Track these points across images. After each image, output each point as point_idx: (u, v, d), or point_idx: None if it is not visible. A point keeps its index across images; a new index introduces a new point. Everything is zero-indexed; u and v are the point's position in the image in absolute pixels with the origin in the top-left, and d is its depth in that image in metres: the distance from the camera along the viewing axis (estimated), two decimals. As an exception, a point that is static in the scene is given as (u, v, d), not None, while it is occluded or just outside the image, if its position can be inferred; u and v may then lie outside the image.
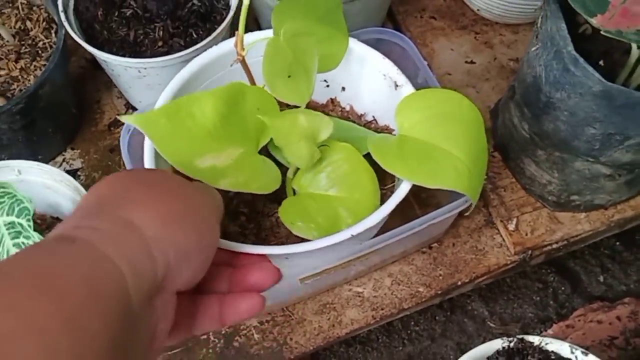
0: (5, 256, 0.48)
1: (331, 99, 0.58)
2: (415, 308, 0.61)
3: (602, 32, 0.39)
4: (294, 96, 0.45)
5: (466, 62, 0.73)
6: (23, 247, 0.47)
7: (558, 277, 0.97)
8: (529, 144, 0.59)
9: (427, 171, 0.44)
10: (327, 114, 0.52)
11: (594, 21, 0.39)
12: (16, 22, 0.65)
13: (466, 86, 0.71)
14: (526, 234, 0.62)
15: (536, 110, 0.56)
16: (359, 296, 0.60)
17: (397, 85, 0.51)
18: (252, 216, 0.50)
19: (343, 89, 0.57)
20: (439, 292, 0.60)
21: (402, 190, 0.45)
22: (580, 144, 0.54)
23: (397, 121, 0.47)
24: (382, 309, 0.60)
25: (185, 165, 0.40)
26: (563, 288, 0.96)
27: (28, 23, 0.65)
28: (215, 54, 0.52)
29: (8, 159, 0.58)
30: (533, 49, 0.55)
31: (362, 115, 0.57)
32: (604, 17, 0.40)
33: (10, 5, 0.66)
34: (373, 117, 0.56)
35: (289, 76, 0.45)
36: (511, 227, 0.62)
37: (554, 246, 0.62)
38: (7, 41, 0.63)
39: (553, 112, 0.54)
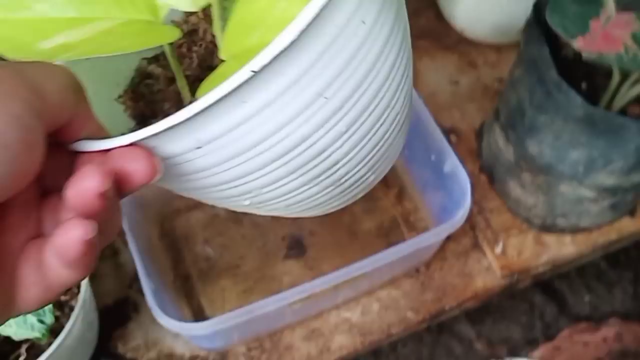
0: None
1: None
2: (403, 333, 0.61)
3: (583, 56, 0.39)
4: None
5: (451, 82, 0.74)
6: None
7: (544, 297, 0.97)
8: (514, 167, 0.60)
9: None
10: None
11: (575, 44, 0.40)
12: None
13: (451, 107, 0.71)
14: (513, 258, 0.62)
15: (521, 133, 0.56)
16: (347, 322, 0.60)
17: None
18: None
19: None
20: (427, 317, 0.60)
21: None
22: (564, 168, 0.54)
23: None
24: (371, 334, 0.59)
25: (21, 49, 0.31)
26: (549, 308, 0.97)
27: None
28: None
29: None
30: (516, 72, 0.56)
31: None
32: (585, 40, 0.41)
33: None
34: None
35: None
36: (498, 250, 0.62)
37: (541, 269, 0.62)
38: None
39: (537, 135, 0.54)
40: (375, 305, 0.61)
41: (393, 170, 0.69)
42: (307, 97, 0.27)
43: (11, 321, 0.47)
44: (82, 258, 0.25)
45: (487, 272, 0.62)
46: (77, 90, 0.27)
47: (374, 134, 0.32)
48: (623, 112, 0.53)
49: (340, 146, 0.30)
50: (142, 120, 0.38)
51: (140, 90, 0.40)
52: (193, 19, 0.40)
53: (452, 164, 0.55)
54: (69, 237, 0.25)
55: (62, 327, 0.50)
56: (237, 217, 0.66)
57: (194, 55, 0.38)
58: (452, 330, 0.92)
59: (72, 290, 0.55)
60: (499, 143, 0.61)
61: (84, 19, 0.32)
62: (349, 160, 0.32)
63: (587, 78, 0.55)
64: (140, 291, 0.62)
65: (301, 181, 0.32)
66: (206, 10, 0.39)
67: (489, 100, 0.72)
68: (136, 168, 0.27)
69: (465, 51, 0.76)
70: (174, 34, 0.32)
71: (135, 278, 0.63)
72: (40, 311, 0.47)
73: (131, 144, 0.27)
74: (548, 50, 0.50)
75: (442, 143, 0.56)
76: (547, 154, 0.54)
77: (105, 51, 0.31)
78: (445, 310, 0.61)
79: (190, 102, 0.30)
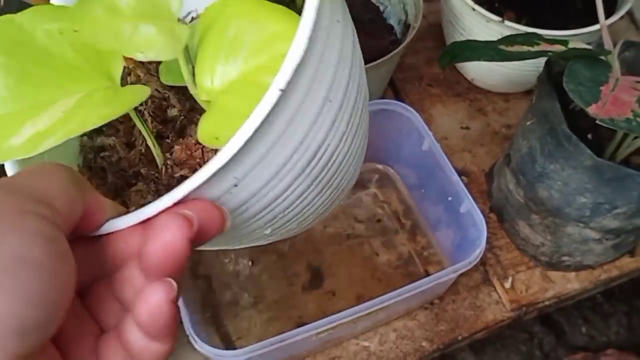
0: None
1: None
2: (418, 361, 0.65)
3: (597, 122, 0.44)
4: None
5: (461, 127, 0.78)
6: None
7: (543, 328, 1.01)
8: (524, 208, 0.64)
9: None
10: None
11: (590, 111, 0.44)
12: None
13: (462, 150, 0.76)
14: (521, 292, 0.66)
15: (531, 178, 0.61)
16: (366, 350, 0.64)
17: None
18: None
19: None
20: (441, 346, 0.64)
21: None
22: (572, 211, 0.59)
23: None
24: (388, 363, 0.63)
25: None
26: (548, 338, 1.01)
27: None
28: None
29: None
30: (528, 122, 0.61)
31: None
32: (597, 106, 0.45)
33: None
34: None
35: None
36: (507, 285, 0.66)
37: (547, 303, 0.67)
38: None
39: (547, 181, 0.59)
40: (392, 335, 0.65)
41: (407, 207, 0.73)
42: (318, 103, 0.28)
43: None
44: (171, 322, 0.23)
45: (496, 305, 0.66)
46: (77, 181, 0.25)
47: (359, 127, 0.34)
48: (626, 161, 0.58)
49: (343, 145, 0.32)
50: (117, 192, 0.36)
51: (99, 166, 0.38)
52: (130, 79, 0.38)
53: (469, 205, 0.60)
54: (154, 302, 0.23)
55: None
56: (260, 249, 0.70)
57: (145, 113, 0.37)
58: (454, 359, 0.96)
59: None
60: (510, 186, 0.66)
61: (44, 103, 0.30)
62: (348, 157, 0.33)
63: (593, 130, 0.60)
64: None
65: (316, 190, 0.32)
66: (145, 65, 0.37)
67: (498, 144, 0.77)
68: (212, 219, 0.25)
69: (475, 99, 0.81)
70: (145, 92, 0.30)
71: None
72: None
73: (177, 202, 0.25)
74: (559, 105, 0.55)
75: (460, 186, 0.61)
76: (556, 198, 0.59)
77: (82, 128, 0.28)
78: (458, 341, 0.65)
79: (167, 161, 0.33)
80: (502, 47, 0.49)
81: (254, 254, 0.70)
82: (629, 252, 0.68)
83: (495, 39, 0.55)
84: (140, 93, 0.30)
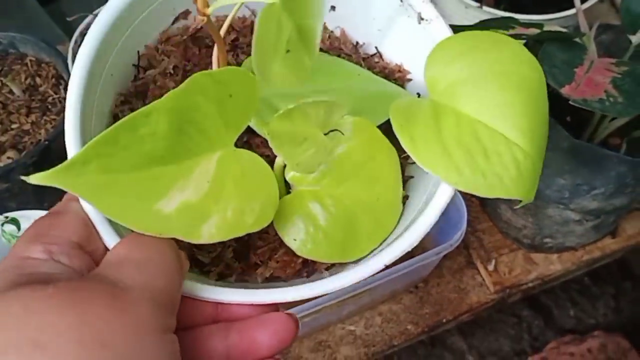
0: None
1: None
2: (404, 344, 0.65)
3: (570, 102, 0.44)
4: (294, 75, 0.32)
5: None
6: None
7: (531, 311, 1.03)
8: (506, 191, 0.65)
9: (481, 171, 0.30)
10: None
11: (563, 91, 0.45)
12: (26, 78, 0.69)
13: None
14: (504, 274, 0.67)
15: (512, 161, 0.62)
16: (352, 334, 0.65)
17: (421, 19, 0.37)
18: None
19: (333, 8, 0.43)
20: (426, 329, 0.65)
21: (441, 199, 0.32)
22: (552, 193, 0.60)
23: (428, 78, 0.33)
24: (374, 346, 0.64)
25: (141, 220, 0.27)
26: (536, 322, 1.02)
27: (37, 79, 0.69)
28: None
29: (16, 207, 0.61)
30: (508, 106, 0.61)
31: (359, 45, 0.43)
32: (571, 87, 0.46)
33: (20, 62, 0.70)
34: (377, 49, 0.42)
35: (288, 51, 0.31)
36: (490, 267, 0.67)
37: (530, 285, 0.68)
38: (18, 96, 0.67)
39: (527, 164, 0.59)
40: (378, 318, 0.66)
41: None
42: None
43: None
44: None
45: (480, 288, 0.67)
46: (181, 262, 0.27)
47: None
48: (604, 142, 0.59)
49: None
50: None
51: None
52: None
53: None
54: None
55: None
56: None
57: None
58: (444, 343, 0.97)
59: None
60: (492, 169, 0.66)
61: (190, 162, 0.29)
62: None
63: (572, 111, 0.61)
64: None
65: None
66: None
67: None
68: (293, 323, 0.30)
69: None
70: (274, 208, 0.32)
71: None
72: None
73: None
74: (537, 88, 0.56)
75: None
76: (536, 180, 0.60)
77: (241, 230, 0.29)
78: (442, 323, 0.66)
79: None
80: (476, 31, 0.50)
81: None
82: (610, 233, 0.69)
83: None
84: (274, 203, 0.32)
